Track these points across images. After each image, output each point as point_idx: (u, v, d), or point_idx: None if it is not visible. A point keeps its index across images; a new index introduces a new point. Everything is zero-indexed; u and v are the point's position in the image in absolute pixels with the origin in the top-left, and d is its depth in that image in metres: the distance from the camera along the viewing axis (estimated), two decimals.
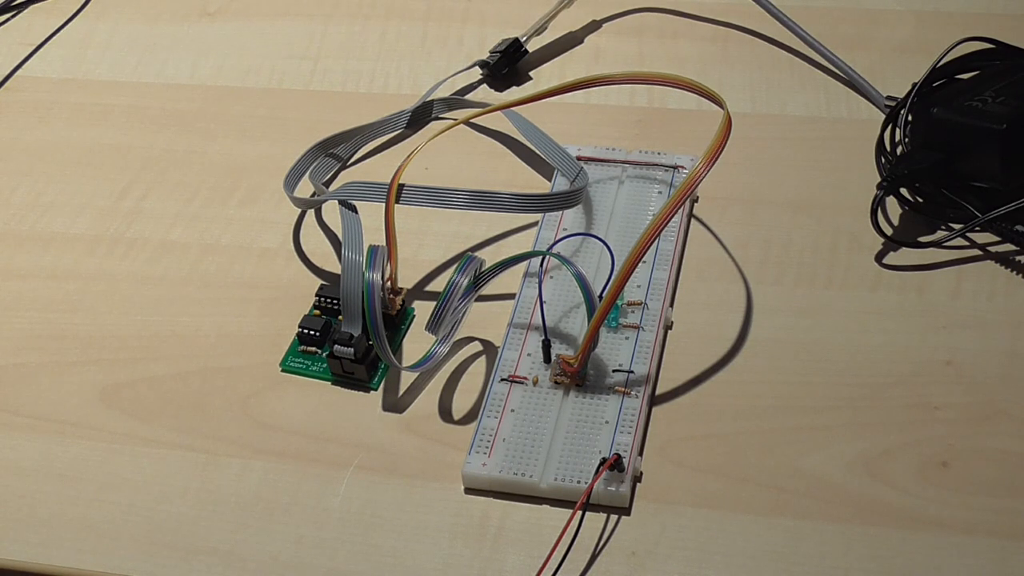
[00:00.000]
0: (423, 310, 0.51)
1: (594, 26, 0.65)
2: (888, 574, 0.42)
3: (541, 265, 0.51)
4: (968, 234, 0.52)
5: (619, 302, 0.49)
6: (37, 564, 0.45)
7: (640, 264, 0.45)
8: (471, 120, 0.58)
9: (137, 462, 0.47)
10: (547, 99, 0.54)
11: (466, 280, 0.47)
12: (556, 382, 0.47)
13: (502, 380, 0.48)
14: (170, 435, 0.48)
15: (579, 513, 0.43)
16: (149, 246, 0.56)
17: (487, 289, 0.48)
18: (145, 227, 0.57)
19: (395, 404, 0.48)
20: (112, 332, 0.52)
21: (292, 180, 0.56)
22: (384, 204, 0.50)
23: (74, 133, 0.62)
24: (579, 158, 0.56)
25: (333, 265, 0.54)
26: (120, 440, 0.48)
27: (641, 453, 0.46)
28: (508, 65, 0.62)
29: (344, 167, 0.58)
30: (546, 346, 0.48)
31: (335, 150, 0.58)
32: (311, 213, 0.56)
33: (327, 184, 0.57)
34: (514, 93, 0.61)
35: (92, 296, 0.54)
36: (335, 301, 0.50)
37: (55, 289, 0.54)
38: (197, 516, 0.46)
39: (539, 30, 0.63)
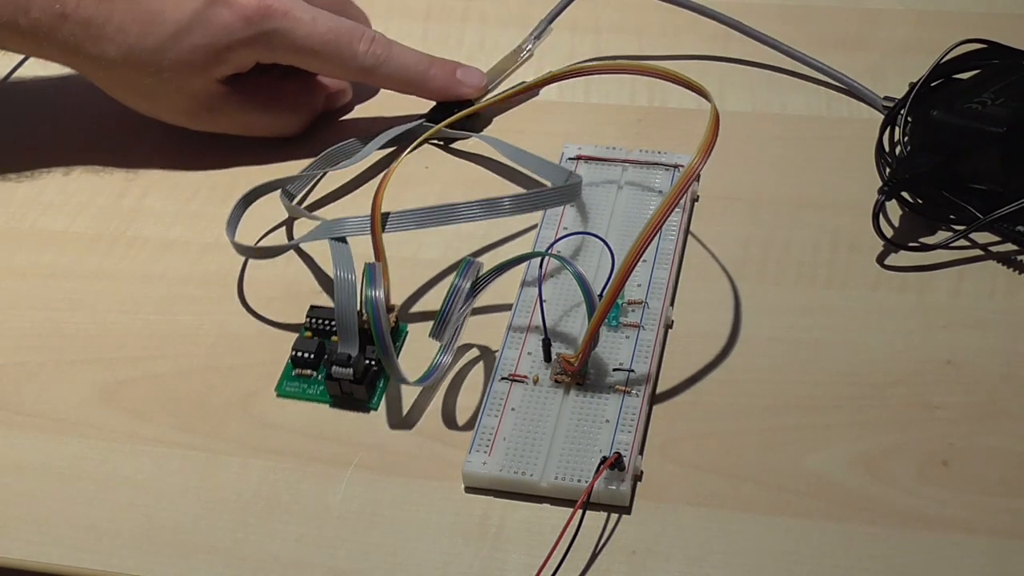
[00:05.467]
0: (421, 314, 0.51)
1: (595, 25, 0.65)
2: (888, 573, 0.42)
3: (541, 265, 0.51)
4: (968, 234, 0.51)
5: (619, 301, 0.49)
6: (36, 563, 0.45)
7: (640, 263, 0.45)
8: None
9: (137, 461, 0.47)
10: (547, 99, 0.54)
11: (467, 284, 0.46)
12: (556, 381, 0.47)
13: (502, 379, 0.48)
14: (170, 434, 0.48)
15: (579, 512, 0.43)
16: (149, 245, 0.56)
17: (488, 290, 0.47)
18: (145, 226, 0.57)
19: (395, 403, 0.48)
20: (112, 331, 0.52)
21: (232, 224, 0.54)
22: (370, 235, 0.49)
23: (74, 131, 0.62)
24: (579, 157, 0.55)
25: None
26: (120, 439, 0.48)
27: (641, 452, 0.46)
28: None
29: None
30: (546, 345, 0.48)
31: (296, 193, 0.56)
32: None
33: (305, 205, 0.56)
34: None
35: (92, 295, 0.54)
36: (326, 322, 0.50)
37: (55, 288, 0.54)
38: (197, 515, 0.45)
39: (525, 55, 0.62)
